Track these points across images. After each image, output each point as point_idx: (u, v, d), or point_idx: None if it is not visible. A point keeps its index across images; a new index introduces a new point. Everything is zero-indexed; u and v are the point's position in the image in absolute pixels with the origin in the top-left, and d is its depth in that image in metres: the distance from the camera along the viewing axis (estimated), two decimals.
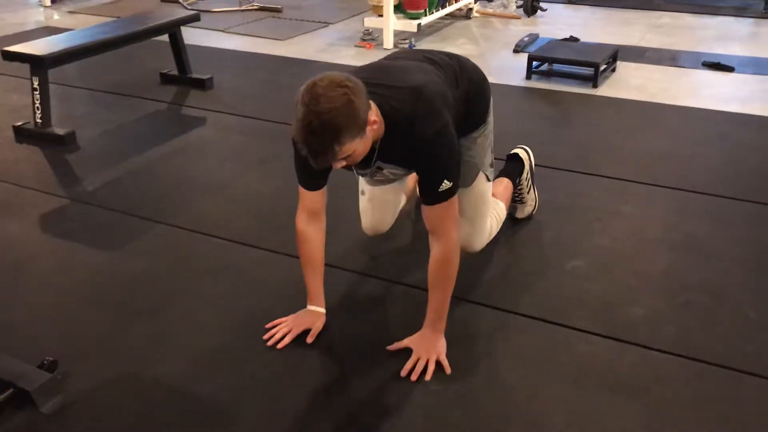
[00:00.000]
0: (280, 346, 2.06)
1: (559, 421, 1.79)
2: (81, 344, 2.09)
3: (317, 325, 2.11)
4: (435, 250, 1.98)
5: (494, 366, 2.00)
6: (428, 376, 1.95)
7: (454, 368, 1.98)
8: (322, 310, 2.14)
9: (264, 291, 2.33)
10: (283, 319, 2.14)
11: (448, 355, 2.01)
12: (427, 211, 1.95)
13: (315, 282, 2.13)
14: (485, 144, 2.27)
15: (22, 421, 1.81)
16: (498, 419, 1.81)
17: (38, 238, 2.69)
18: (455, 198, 1.95)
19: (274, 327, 2.12)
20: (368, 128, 1.76)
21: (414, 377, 1.94)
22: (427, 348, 2.01)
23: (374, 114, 1.79)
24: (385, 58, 2.23)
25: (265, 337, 2.09)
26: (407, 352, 2.02)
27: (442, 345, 2.03)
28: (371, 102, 1.80)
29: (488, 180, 2.29)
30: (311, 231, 2.08)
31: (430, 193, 1.92)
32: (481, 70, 2.26)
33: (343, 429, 1.79)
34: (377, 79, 1.90)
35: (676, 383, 1.92)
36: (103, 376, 1.96)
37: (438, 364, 1.99)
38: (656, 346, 2.05)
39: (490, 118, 2.29)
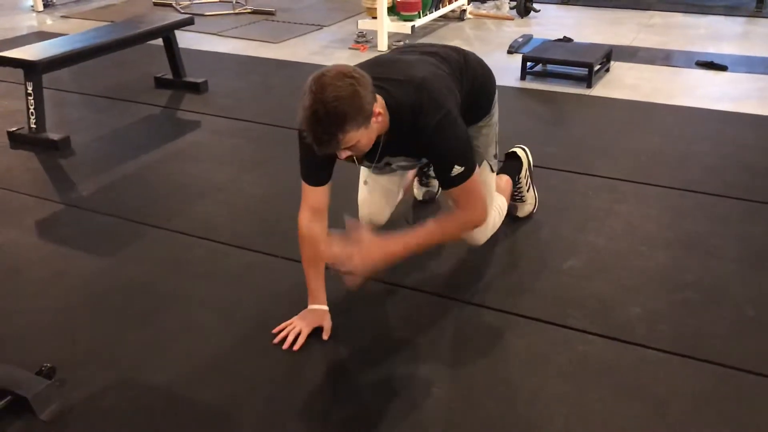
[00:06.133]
0: (296, 347, 2.05)
1: (559, 422, 1.80)
2: (79, 350, 2.08)
3: (327, 322, 2.11)
4: (457, 210, 2.05)
5: (493, 367, 2.00)
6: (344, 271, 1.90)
7: (454, 369, 1.98)
8: (326, 307, 2.14)
9: (261, 295, 2.33)
10: (289, 321, 2.12)
11: (445, 356, 2.01)
12: (446, 193, 2.04)
13: (317, 281, 2.13)
14: (490, 134, 2.30)
15: (21, 428, 1.80)
16: (498, 420, 1.81)
17: (33, 244, 2.68)
18: (474, 179, 1.99)
19: (281, 331, 2.10)
20: (373, 120, 1.79)
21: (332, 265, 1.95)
22: (367, 249, 1.88)
23: (379, 107, 1.83)
24: (390, 53, 2.25)
25: (276, 341, 2.07)
26: (409, 355, 2.03)
27: (376, 256, 1.90)
28: (377, 95, 1.82)
29: (492, 170, 2.32)
30: (314, 230, 2.08)
31: (443, 179, 1.99)
32: (486, 64, 2.29)
33: None
34: (381, 74, 1.93)
35: (675, 382, 1.93)
36: (102, 382, 1.95)
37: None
38: (654, 345, 2.06)
39: (495, 110, 2.32)
